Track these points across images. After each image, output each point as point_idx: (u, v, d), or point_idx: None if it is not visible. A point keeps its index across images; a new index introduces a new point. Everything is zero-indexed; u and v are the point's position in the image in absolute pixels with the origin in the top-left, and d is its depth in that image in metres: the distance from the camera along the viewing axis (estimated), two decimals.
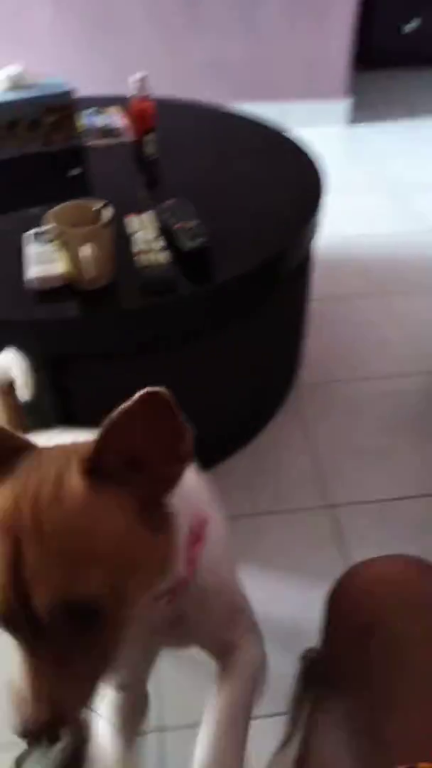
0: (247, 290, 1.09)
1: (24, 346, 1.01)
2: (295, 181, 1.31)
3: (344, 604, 0.64)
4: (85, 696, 0.44)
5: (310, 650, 0.82)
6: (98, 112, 1.54)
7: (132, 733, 0.72)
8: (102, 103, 1.59)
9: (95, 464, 0.43)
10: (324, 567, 0.89)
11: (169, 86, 1.78)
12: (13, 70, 1.40)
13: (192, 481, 0.59)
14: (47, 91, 1.39)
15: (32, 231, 1.08)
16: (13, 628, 0.41)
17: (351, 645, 0.61)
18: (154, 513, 0.45)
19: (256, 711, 0.61)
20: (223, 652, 0.65)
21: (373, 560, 0.64)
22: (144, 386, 0.40)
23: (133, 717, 0.74)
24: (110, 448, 0.42)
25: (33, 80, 1.43)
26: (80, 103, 1.48)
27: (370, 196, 2.40)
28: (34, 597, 0.40)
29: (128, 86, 1.37)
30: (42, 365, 1.04)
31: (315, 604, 0.68)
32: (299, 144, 1.44)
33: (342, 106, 2.98)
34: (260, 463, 1.39)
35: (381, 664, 0.56)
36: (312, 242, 1.27)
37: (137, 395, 0.40)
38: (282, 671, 0.75)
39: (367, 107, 3.00)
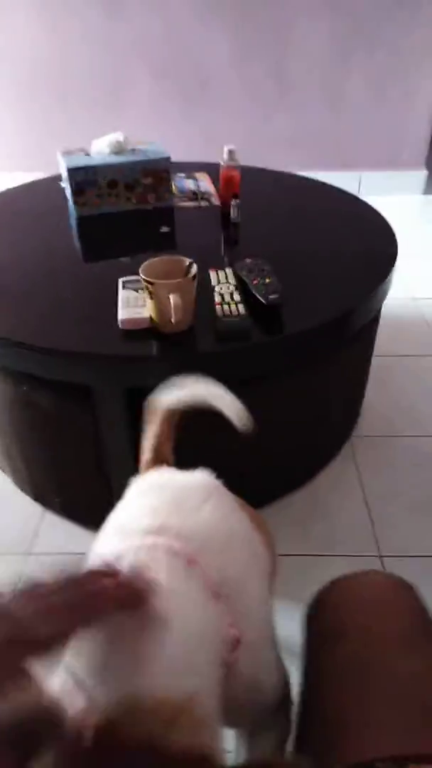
0: (314, 343, 1.17)
1: (109, 379, 1.14)
2: (368, 244, 1.41)
3: (319, 614, 0.66)
4: None
5: None
6: (189, 177, 1.71)
7: None
8: (193, 168, 1.77)
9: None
10: None
11: (255, 154, 1.94)
12: (116, 136, 1.58)
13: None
14: (146, 156, 1.56)
15: (125, 278, 1.22)
16: None
17: (319, 650, 0.63)
18: None
19: None
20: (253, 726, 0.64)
21: (352, 574, 0.67)
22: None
23: None
24: None
25: (134, 145, 1.61)
26: (174, 168, 1.65)
27: None
28: None
29: (218, 154, 1.53)
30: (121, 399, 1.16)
31: None
32: (374, 210, 1.54)
33: (419, 176, 3.09)
34: (314, 506, 1.45)
35: (345, 666, 0.58)
36: (381, 302, 1.35)
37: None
38: None
39: None
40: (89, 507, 1.21)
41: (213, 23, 2.69)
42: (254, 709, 0.61)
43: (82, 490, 1.36)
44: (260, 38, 2.73)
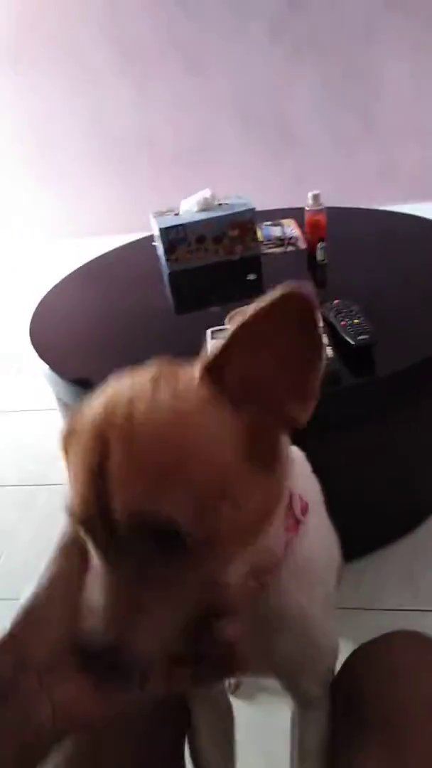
0: (408, 384, 1.13)
1: None
2: None
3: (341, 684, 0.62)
4: (156, 635, 0.37)
5: None
6: (275, 224, 1.74)
7: (225, 746, 0.72)
8: (279, 215, 1.80)
9: (217, 373, 0.38)
10: None
11: (342, 192, 1.94)
12: (204, 194, 1.65)
13: (299, 459, 0.56)
14: (232, 210, 1.61)
15: (214, 328, 1.24)
16: (92, 535, 0.38)
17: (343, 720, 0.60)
18: (263, 451, 0.40)
19: None
20: (300, 702, 0.63)
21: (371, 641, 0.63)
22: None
23: (222, 730, 0.71)
24: (237, 357, 0.38)
25: (221, 200, 1.67)
26: (260, 216, 1.68)
27: None
28: (113, 502, 0.36)
29: (303, 198, 1.55)
30: None
31: None
32: None
33: None
34: (421, 556, 1.36)
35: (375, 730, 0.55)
36: None
37: (278, 292, 0.35)
38: None
39: None
40: None
41: (293, 67, 2.75)
42: (305, 665, 0.59)
43: None
44: (339, 74, 2.75)
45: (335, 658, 0.62)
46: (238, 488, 0.38)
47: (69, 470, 0.40)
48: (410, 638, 0.61)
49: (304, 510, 0.52)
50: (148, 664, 0.38)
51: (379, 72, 2.73)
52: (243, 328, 0.36)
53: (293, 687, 0.63)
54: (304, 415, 0.39)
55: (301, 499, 0.52)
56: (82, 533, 0.39)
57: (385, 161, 2.92)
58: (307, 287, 0.35)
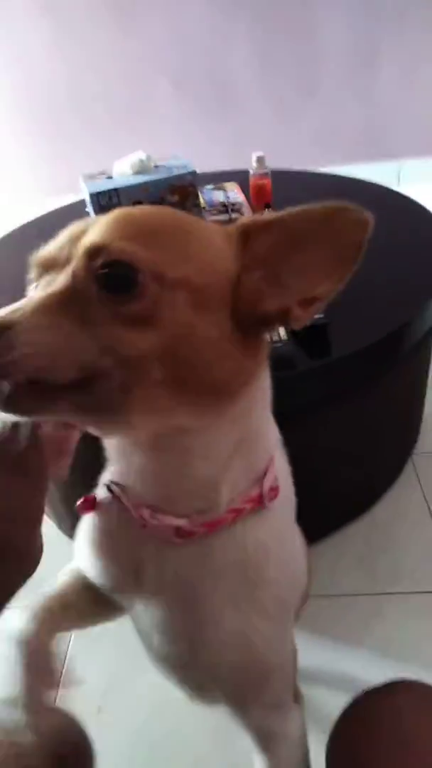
0: (365, 365, 1.06)
1: None
2: (417, 247, 1.29)
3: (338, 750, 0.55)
4: (43, 353, 0.36)
5: None
6: (218, 188, 1.61)
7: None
8: (222, 178, 1.67)
9: (247, 230, 0.41)
10: None
11: (283, 155, 1.83)
12: (138, 155, 1.51)
13: (273, 428, 0.53)
14: (170, 173, 1.48)
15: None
16: (49, 268, 0.40)
17: None
18: (248, 327, 0.41)
19: None
20: (257, 738, 0.56)
21: (373, 691, 0.56)
22: None
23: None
24: (274, 235, 0.40)
25: (158, 161, 1.53)
26: (201, 180, 1.55)
27: None
28: (81, 242, 0.38)
29: (245, 160, 1.43)
30: None
31: None
32: (420, 206, 1.41)
33: None
34: (376, 538, 1.32)
35: None
36: None
37: (335, 205, 0.39)
38: None
39: None
40: None
41: (230, 25, 2.60)
42: (249, 682, 0.51)
43: None
44: (278, 37, 2.62)
45: (290, 678, 0.55)
46: (207, 323, 0.39)
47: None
48: (418, 696, 0.54)
49: (273, 497, 0.48)
50: (20, 384, 0.35)
51: (320, 33, 2.61)
52: (294, 216, 0.40)
53: (241, 713, 0.54)
54: (303, 317, 0.41)
55: (272, 487, 0.48)
56: (36, 276, 0.41)
57: (324, 122, 2.83)
58: (370, 215, 0.39)
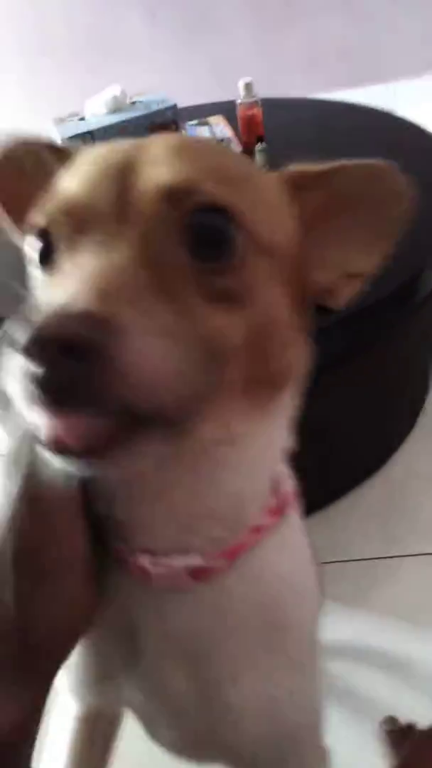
0: (377, 319, 0.97)
1: None
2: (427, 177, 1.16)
3: None
4: (162, 341, 0.25)
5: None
6: (202, 124, 1.46)
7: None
8: (205, 112, 1.51)
9: (298, 181, 0.34)
10: None
11: (270, 82, 1.67)
12: (112, 91, 1.35)
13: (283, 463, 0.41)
14: (149, 109, 1.33)
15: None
16: (88, 226, 0.27)
17: None
18: (298, 302, 0.33)
19: None
20: None
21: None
22: None
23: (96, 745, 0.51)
24: (320, 191, 0.34)
25: (134, 98, 1.38)
26: (184, 115, 1.41)
27: None
28: (141, 181, 0.28)
29: (229, 91, 1.28)
30: None
31: None
32: (422, 129, 1.29)
33: None
34: (390, 497, 1.25)
35: None
36: None
37: (378, 168, 0.33)
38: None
39: None
40: None
41: None
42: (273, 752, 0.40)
43: None
44: None
45: (321, 740, 0.43)
46: (282, 300, 0.31)
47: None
48: None
49: (289, 502, 0.38)
50: (113, 415, 0.24)
51: None
52: (336, 171, 0.34)
53: None
54: (344, 295, 0.35)
55: (285, 491, 0.38)
56: (63, 232, 0.28)
57: (311, 44, 2.62)
58: (415, 190, 0.33)
